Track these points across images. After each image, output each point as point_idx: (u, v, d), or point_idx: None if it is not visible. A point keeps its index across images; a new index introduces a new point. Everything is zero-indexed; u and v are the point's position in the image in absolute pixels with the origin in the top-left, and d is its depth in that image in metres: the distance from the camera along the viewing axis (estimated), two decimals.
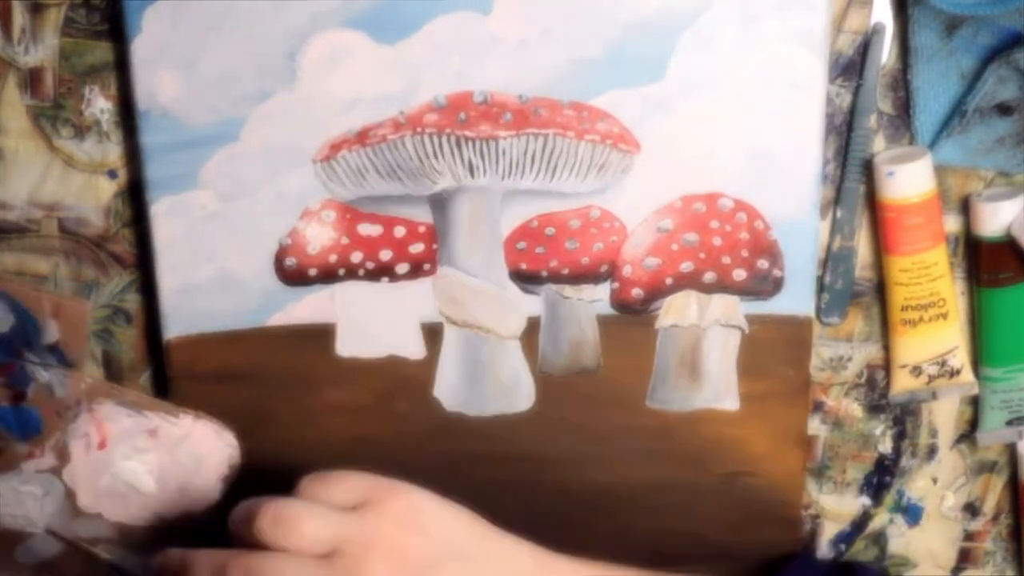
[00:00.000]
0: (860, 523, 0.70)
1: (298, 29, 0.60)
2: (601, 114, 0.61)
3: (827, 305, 0.65)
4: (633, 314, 0.64)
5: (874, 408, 0.68)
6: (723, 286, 0.63)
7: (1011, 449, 0.68)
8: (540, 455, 0.66)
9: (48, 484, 0.63)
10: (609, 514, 0.67)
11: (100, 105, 0.63)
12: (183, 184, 0.62)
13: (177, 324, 0.64)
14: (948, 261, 0.64)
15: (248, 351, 0.64)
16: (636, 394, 0.65)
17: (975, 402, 0.67)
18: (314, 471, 0.52)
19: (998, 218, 0.62)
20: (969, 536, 0.71)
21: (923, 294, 0.64)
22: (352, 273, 0.64)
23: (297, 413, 0.66)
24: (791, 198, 0.62)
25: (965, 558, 0.71)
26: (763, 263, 0.63)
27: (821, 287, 0.65)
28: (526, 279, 0.64)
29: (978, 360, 0.66)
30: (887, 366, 0.67)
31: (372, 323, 0.65)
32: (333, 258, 0.64)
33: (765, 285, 0.63)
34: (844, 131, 0.63)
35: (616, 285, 0.64)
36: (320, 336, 0.65)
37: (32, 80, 0.63)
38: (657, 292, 0.64)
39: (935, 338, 0.65)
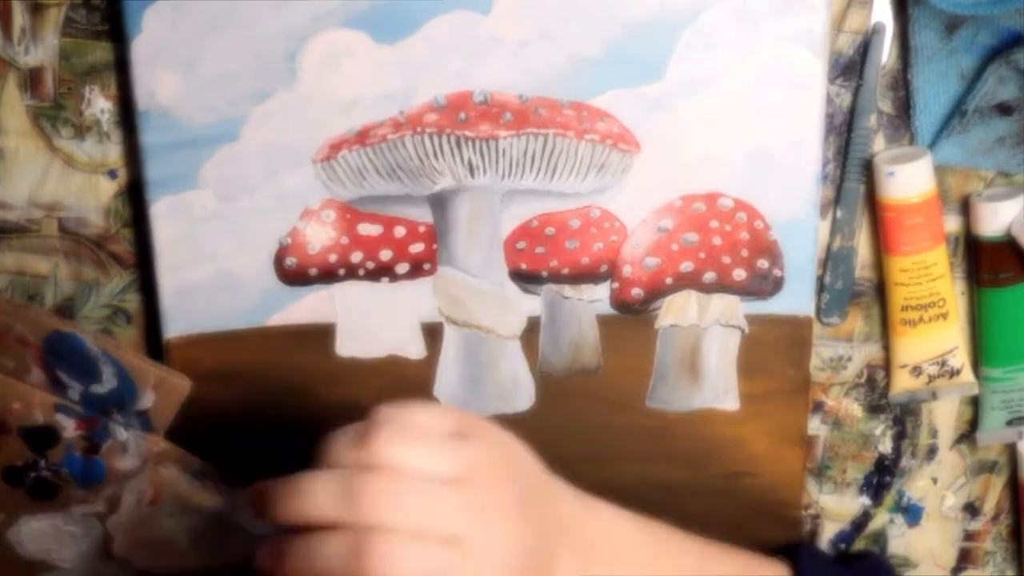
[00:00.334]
0: (860, 523, 0.70)
1: (298, 29, 0.60)
2: (601, 114, 0.61)
3: (827, 305, 0.65)
4: (633, 314, 0.64)
5: (874, 408, 0.68)
6: (723, 286, 0.63)
7: (1011, 449, 0.68)
8: (540, 455, 0.66)
9: (89, 527, 0.63)
10: None
11: (100, 105, 0.63)
12: (183, 184, 0.62)
13: (177, 324, 0.64)
14: (948, 261, 0.64)
15: (248, 351, 0.64)
16: (636, 394, 0.65)
17: (975, 402, 0.67)
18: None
19: (998, 218, 0.62)
20: (969, 536, 0.71)
21: (923, 294, 0.64)
22: (352, 273, 0.64)
23: (297, 413, 0.66)
24: (791, 198, 0.62)
25: (965, 558, 0.71)
26: (763, 263, 0.63)
27: (821, 287, 0.65)
28: (526, 279, 0.64)
29: (978, 360, 0.66)
30: (887, 366, 0.67)
31: (372, 323, 0.65)
32: (333, 258, 0.64)
33: (765, 285, 0.63)
34: (844, 131, 0.63)
35: (616, 285, 0.64)
36: (320, 336, 0.65)
37: (32, 80, 0.63)
38: (657, 292, 0.64)
39: (935, 338, 0.65)
